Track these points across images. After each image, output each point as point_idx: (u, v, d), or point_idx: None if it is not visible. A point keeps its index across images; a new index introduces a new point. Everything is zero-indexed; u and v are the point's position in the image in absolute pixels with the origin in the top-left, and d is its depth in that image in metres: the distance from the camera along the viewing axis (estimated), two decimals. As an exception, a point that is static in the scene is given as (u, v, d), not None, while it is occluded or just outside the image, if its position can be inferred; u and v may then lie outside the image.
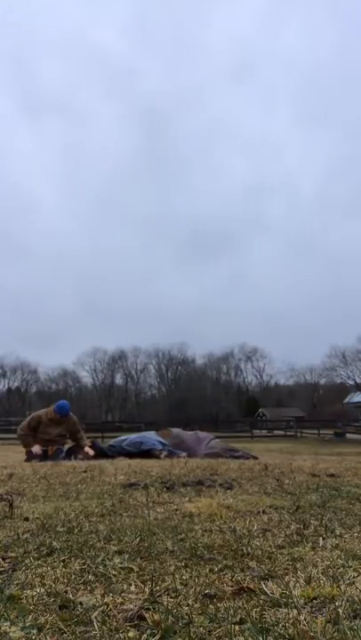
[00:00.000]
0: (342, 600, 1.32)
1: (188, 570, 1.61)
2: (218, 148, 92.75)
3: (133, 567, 1.63)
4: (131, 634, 1.16)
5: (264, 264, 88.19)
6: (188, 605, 1.31)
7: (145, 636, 1.15)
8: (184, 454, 6.94)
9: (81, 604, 1.32)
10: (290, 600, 1.33)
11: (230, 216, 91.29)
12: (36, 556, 1.76)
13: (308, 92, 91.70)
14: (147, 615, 1.24)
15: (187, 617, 1.24)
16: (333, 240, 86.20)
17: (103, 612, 1.28)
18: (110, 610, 1.29)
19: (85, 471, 4.21)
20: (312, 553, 1.81)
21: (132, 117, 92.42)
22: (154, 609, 1.29)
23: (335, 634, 1.13)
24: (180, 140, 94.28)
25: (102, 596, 1.39)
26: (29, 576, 1.54)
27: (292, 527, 2.17)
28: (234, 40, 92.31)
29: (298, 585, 1.46)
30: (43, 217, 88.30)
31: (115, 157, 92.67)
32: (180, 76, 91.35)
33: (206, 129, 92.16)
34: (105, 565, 1.64)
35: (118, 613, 1.27)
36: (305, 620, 1.21)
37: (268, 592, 1.40)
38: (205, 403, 54.31)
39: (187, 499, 2.87)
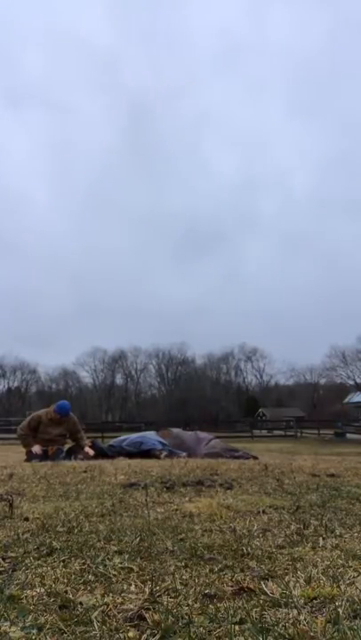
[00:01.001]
0: (342, 600, 1.32)
1: (188, 570, 1.61)
2: (207, 141, 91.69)
3: (133, 567, 1.63)
4: (131, 634, 1.16)
5: (261, 262, 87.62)
6: (188, 605, 1.31)
7: (145, 636, 1.15)
8: (184, 454, 6.94)
9: (81, 603, 1.32)
10: (290, 600, 1.33)
11: (223, 212, 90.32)
12: (36, 555, 1.76)
13: (300, 82, 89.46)
14: (147, 615, 1.24)
15: (187, 617, 1.24)
16: (331, 238, 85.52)
17: (103, 611, 1.28)
18: (110, 610, 1.29)
19: (85, 471, 4.21)
20: (312, 553, 1.81)
21: (117, 111, 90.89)
22: (154, 609, 1.29)
23: (335, 634, 1.13)
24: (168, 134, 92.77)
25: (102, 595, 1.39)
26: (29, 576, 1.54)
27: (293, 527, 2.17)
28: (220, 29, 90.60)
29: (298, 585, 1.46)
30: (32, 214, 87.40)
31: (102, 152, 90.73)
32: (166, 68, 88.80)
33: (194, 122, 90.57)
34: (105, 565, 1.64)
35: (118, 613, 1.27)
36: (305, 620, 1.21)
37: (268, 592, 1.40)
38: (205, 403, 54.32)
39: (187, 499, 2.87)
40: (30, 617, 1.24)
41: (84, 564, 1.66)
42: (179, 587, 1.45)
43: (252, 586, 1.44)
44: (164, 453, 6.77)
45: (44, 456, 6.71)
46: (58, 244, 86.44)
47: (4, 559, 1.72)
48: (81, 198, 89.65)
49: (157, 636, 1.15)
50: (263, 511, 2.51)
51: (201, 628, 1.18)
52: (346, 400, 51.54)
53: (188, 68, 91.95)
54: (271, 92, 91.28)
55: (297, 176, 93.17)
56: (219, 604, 1.32)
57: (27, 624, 1.20)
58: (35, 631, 1.17)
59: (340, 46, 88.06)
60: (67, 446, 7.19)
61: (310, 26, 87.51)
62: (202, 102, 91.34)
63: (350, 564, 1.65)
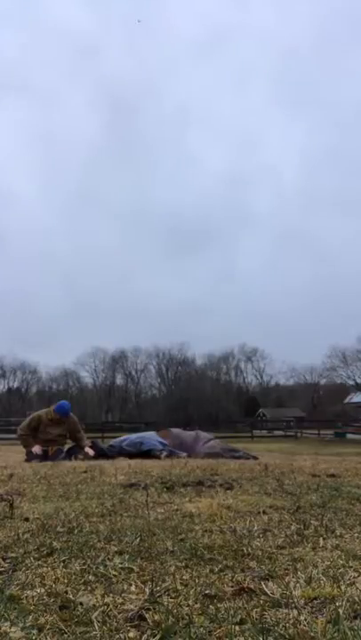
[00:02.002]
0: (343, 600, 1.32)
1: (189, 570, 1.61)
2: (191, 133, 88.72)
3: (134, 567, 1.63)
4: (131, 634, 1.16)
5: (257, 260, 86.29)
6: (188, 606, 1.31)
7: (145, 636, 1.15)
8: (184, 454, 6.94)
9: (81, 604, 1.32)
10: (290, 600, 1.33)
11: (212, 207, 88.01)
12: (36, 556, 1.76)
13: (285, 70, 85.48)
14: (147, 615, 1.24)
15: (187, 617, 1.23)
16: (324, 234, 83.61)
17: (103, 612, 1.27)
18: (111, 610, 1.29)
19: (85, 471, 4.21)
20: (312, 553, 1.81)
21: (99, 101, 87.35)
22: (154, 609, 1.29)
23: (335, 634, 1.13)
24: (151, 126, 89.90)
25: (103, 596, 1.39)
26: (30, 576, 1.54)
27: (293, 527, 2.17)
28: (201, 15, 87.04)
29: (298, 585, 1.45)
30: (20, 211, 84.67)
31: (86, 145, 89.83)
32: (147, 56, 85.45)
33: (178, 113, 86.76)
34: (105, 566, 1.64)
35: (119, 614, 1.27)
36: (305, 620, 1.21)
37: (269, 592, 1.40)
38: (205, 403, 54.29)
39: (187, 499, 2.87)
40: (30, 617, 1.24)
41: (84, 564, 1.66)
42: (179, 587, 1.45)
43: (252, 586, 1.44)
44: (165, 454, 6.77)
45: (45, 456, 6.71)
46: (48, 242, 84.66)
47: (4, 559, 1.72)
48: (68, 194, 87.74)
49: (158, 637, 1.15)
50: (263, 511, 2.51)
51: (201, 629, 1.18)
52: (346, 400, 51.51)
53: (170, 57, 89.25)
54: (256, 81, 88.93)
55: (286, 169, 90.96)
56: (219, 605, 1.32)
57: (27, 624, 1.20)
58: (35, 631, 1.17)
59: (327, 33, 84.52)
60: (67, 446, 7.19)
61: (295, 11, 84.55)
62: (185, 92, 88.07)
63: (351, 565, 1.65)
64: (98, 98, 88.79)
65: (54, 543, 1.90)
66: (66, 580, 1.50)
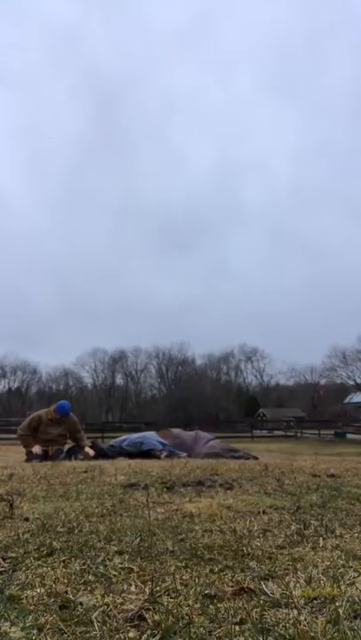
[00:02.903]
0: (343, 600, 1.32)
1: (189, 570, 1.61)
2: (176, 124, 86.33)
3: (134, 567, 1.63)
4: (131, 634, 1.16)
5: (253, 258, 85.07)
6: (188, 606, 1.31)
7: (145, 636, 1.15)
8: (184, 454, 6.94)
9: (81, 604, 1.32)
10: (290, 600, 1.33)
11: (202, 203, 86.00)
12: (36, 556, 1.76)
13: (272, 58, 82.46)
14: (147, 615, 1.24)
15: (187, 617, 1.23)
16: (318, 231, 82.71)
17: (103, 612, 1.27)
18: (110, 610, 1.29)
19: (85, 471, 4.20)
20: (312, 553, 1.80)
21: (81, 92, 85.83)
22: (154, 609, 1.29)
23: (335, 634, 1.13)
24: (136, 119, 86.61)
25: (102, 596, 1.39)
26: (30, 576, 1.54)
27: (293, 527, 2.17)
28: (183, 1, 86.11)
29: (298, 585, 1.45)
30: (7, 210, 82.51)
31: (70, 140, 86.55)
32: (129, 45, 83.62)
33: (162, 104, 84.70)
34: (105, 566, 1.64)
35: (118, 614, 1.27)
36: (305, 620, 1.21)
37: (269, 592, 1.40)
38: (205, 403, 54.28)
39: (187, 499, 2.87)
40: (30, 617, 1.24)
41: (84, 564, 1.66)
42: (179, 587, 1.45)
43: (252, 586, 1.44)
44: (165, 454, 6.77)
45: (45, 456, 6.71)
46: (38, 241, 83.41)
47: (4, 559, 1.72)
48: (55, 190, 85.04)
49: (158, 637, 1.15)
50: (263, 511, 2.51)
51: (201, 629, 1.18)
52: (346, 400, 51.55)
53: (153, 45, 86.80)
54: (243, 69, 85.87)
55: (277, 162, 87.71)
56: (219, 605, 1.32)
57: (27, 624, 1.20)
58: (35, 631, 1.17)
59: (316, 20, 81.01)
60: (67, 446, 7.19)
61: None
62: (169, 82, 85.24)
63: (351, 565, 1.65)
64: (81, 89, 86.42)
65: (54, 543, 1.90)
66: (66, 580, 1.50)
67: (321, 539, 1.99)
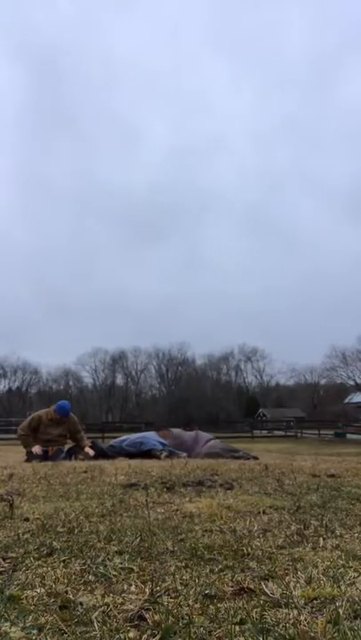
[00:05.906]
0: (343, 600, 1.32)
1: (189, 570, 1.61)
2: (120, 95, 77.74)
3: (134, 567, 1.63)
4: (131, 634, 1.16)
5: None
6: (188, 606, 1.31)
7: (145, 636, 1.15)
8: (184, 454, 6.94)
9: (81, 604, 1.32)
10: (290, 600, 1.33)
11: (169, 187, 79.26)
12: (36, 556, 1.76)
13: (220, 15, 73.74)
14: (147, 615, 1.24)
15: (187, 617, 1.23)
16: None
17: (103, 612, 1.27)
18: (111, 610, 1.29)
19: (86, 471, 4.20)
20: (312, 553, 1.80)
21: (19, 57, 77.79)
22: (154, 609, 1.29)
23: (335, 634, 1.13)
24: (80, 90, 77.64)
25: (103, 596, 1.39)
26: (30, 576, 1.54)
27: (293, 527, 2.17)
28: None
29: (298, 585, 1.45)
30: None
31: (15, 117, 78.88)
32: (65, 6, 75.16)
33: (104, 70, 76.15)
34: (105, 566, 1.64)
35: (119, 614, 1.27)
36: (305, 620, 1.21)
37: (269, 592, 1.40)
38: (205, 403, 54.28)
39: (187, 499, 2.87)
40: (30, 617, 1.24)
41: (84, 564, 1.66)
42: (179, 587, 1.45)
43: (252, 586, 1.44)
44: (165, 454, 6.77)
45: (45, 456, 6.71)
46: (7, 232, 78.57)
47: (4, 559, 1.72)
48: (5, 178, 79.58)
49: (158, 637, 1.15)
50: (263, 511, 2.51)
51: (201, 629, 1.18)
52: (346, 400, 51.54)
53: (87, 6, 78.21)
54: (188, 29, 77.82)
55: (237, 137, 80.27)
56: (219, 605, 1.32)
57: (27, 624, 1.20)
58: (35, 631, 1.17)
59: None
60: (67, 446, 7.19)
61: None
62: (110, 47, 77.18)
63: (351, 565, 1.65)
64: (19, 57, 77.83)
65: (54, 543, 1.90)
66: (66, 580, 1.50)
67: (321, 539, 1.99)
